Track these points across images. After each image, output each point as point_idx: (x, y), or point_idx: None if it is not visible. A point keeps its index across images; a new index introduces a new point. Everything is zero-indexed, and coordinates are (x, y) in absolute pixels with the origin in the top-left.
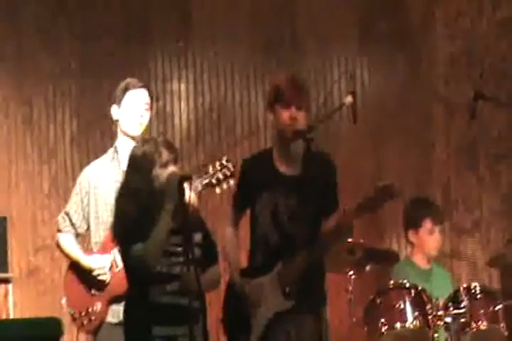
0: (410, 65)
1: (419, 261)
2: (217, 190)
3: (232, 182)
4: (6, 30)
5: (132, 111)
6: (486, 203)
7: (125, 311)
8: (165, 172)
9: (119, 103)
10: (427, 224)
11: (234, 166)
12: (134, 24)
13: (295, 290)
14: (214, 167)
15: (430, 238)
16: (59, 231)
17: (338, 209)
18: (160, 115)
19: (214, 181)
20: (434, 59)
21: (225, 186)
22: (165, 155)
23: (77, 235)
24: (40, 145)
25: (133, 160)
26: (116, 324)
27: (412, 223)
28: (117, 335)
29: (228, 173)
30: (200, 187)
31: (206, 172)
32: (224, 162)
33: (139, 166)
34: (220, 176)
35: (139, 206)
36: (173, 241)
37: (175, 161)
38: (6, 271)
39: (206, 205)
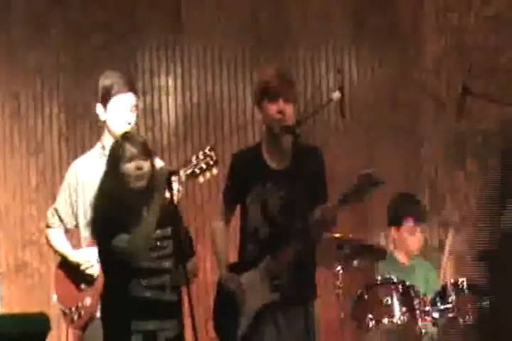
0: (399, 59)
1: (401, 256)
2: (201, 179)
3: (215, 170)
4: None
5: (119, 117)
6: (473, 198)
7: (103, 305)
8: (131, 167)
9: (104, 105)
10: (409, 223)
11: (217, 154)
12: (123, 18)
13: (284, 283)
14: (197, 157)
15: (411, 238)
16: (48, 227)
17: (327, 201)
18: (147, 110)
19: (197, 171)
20: (423, 54)
21: (208, 175)
22: (128, 149)
23: (67, 230)
24: (27, 139)
25: (107, 157)
26: None
27: (395, 220)
28: None
29: (211, 162)
30: (183, 178)
31: (189, 163)
32: (207, 151)
33: (109, 162)
34: (203, 165)
35: (113, 201)
36: (156, 235)
37: (144, 155)
38: None
39: (195, 200)
